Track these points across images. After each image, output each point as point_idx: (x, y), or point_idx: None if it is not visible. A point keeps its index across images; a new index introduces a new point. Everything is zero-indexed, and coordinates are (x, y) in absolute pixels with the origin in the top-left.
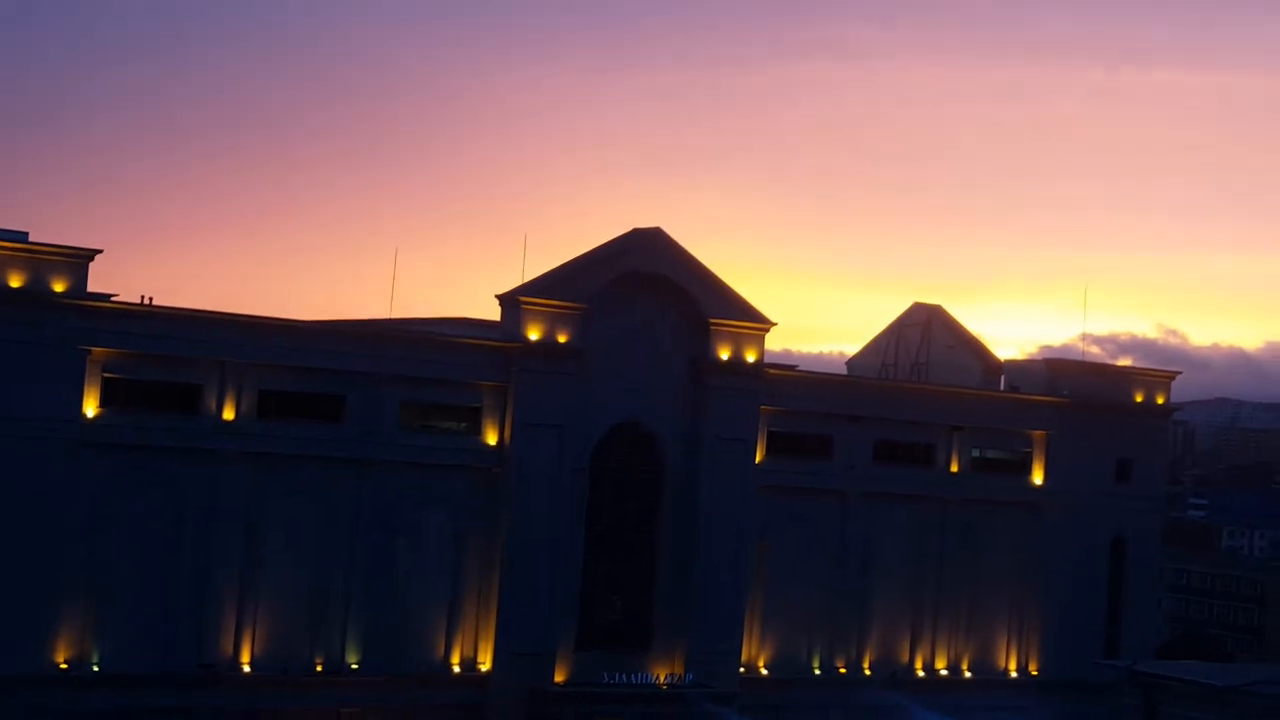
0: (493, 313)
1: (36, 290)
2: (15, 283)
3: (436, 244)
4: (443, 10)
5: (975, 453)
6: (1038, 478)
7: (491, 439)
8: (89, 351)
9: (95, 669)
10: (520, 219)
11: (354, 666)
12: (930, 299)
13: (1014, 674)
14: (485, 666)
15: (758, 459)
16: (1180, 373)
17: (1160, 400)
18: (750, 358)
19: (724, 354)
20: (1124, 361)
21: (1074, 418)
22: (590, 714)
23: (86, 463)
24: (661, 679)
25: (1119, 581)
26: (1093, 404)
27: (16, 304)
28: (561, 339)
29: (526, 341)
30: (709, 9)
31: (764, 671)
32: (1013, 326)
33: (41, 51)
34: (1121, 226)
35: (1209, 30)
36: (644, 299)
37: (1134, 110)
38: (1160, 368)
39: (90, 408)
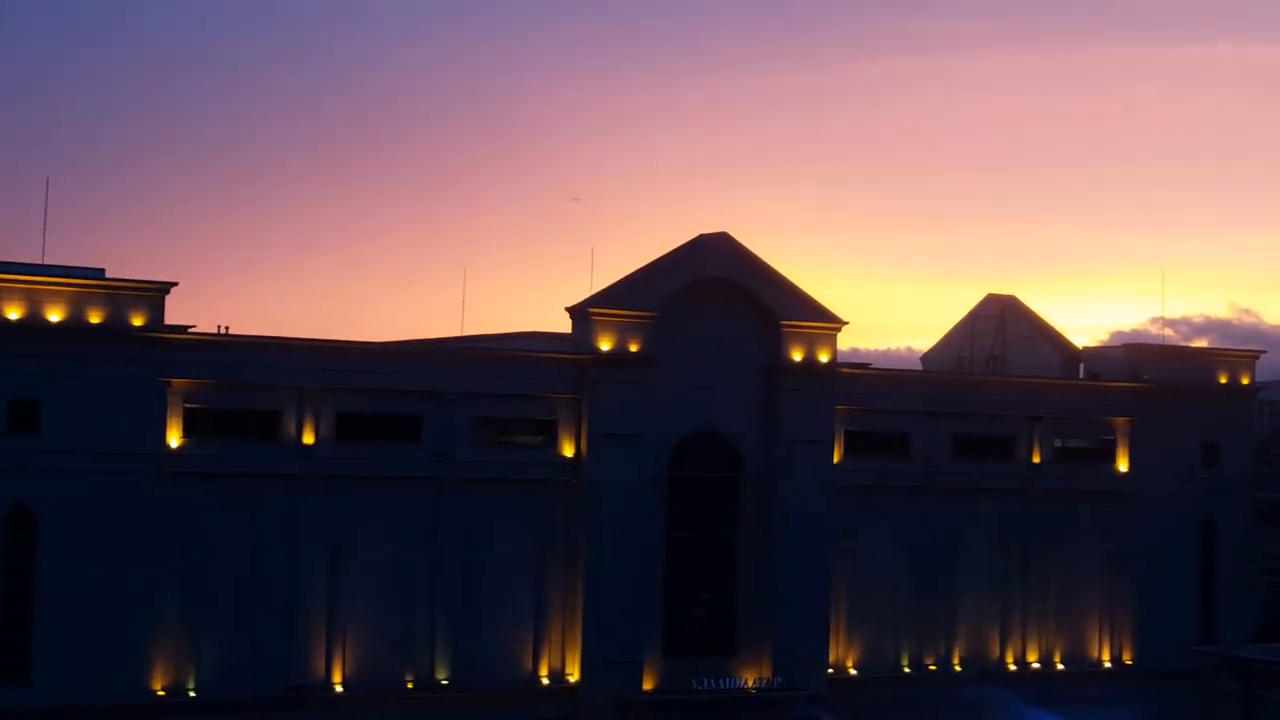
0: (563, 325)
1: (115, 325)
2: (95, 319)
3: (504, 260)
4: (504, 27)
5: (1057, 443)
6: (1122, 465)
7: (568, 451)
8: (169, 383)
9: (192, 695)
10: (586, 231)
11: (444, 683)
12: (1001, 289)
13: (1108, 664)
14: (574, 677)
15: (836, 459)
16: (1265, 352)
17: (1245, 380)
18: (823, 358)
19: (797, 355)
20: (1200, 343)
21: (1157, 403)
22: None
23: (172, 493)
24: (750, 683)
25: (1210, 567)
26: (1175, 388)
27: (97, 340)
28: (633, 348)
29: (598, 353)
30: (768, 12)
31: (853, 672)
32: (1084, 313)
33: (109, 90)
34: (1193, 206)
35: None
36: (714, 304)
37: (1206, 88)
38: (1242, 347)
39: (173, 438)
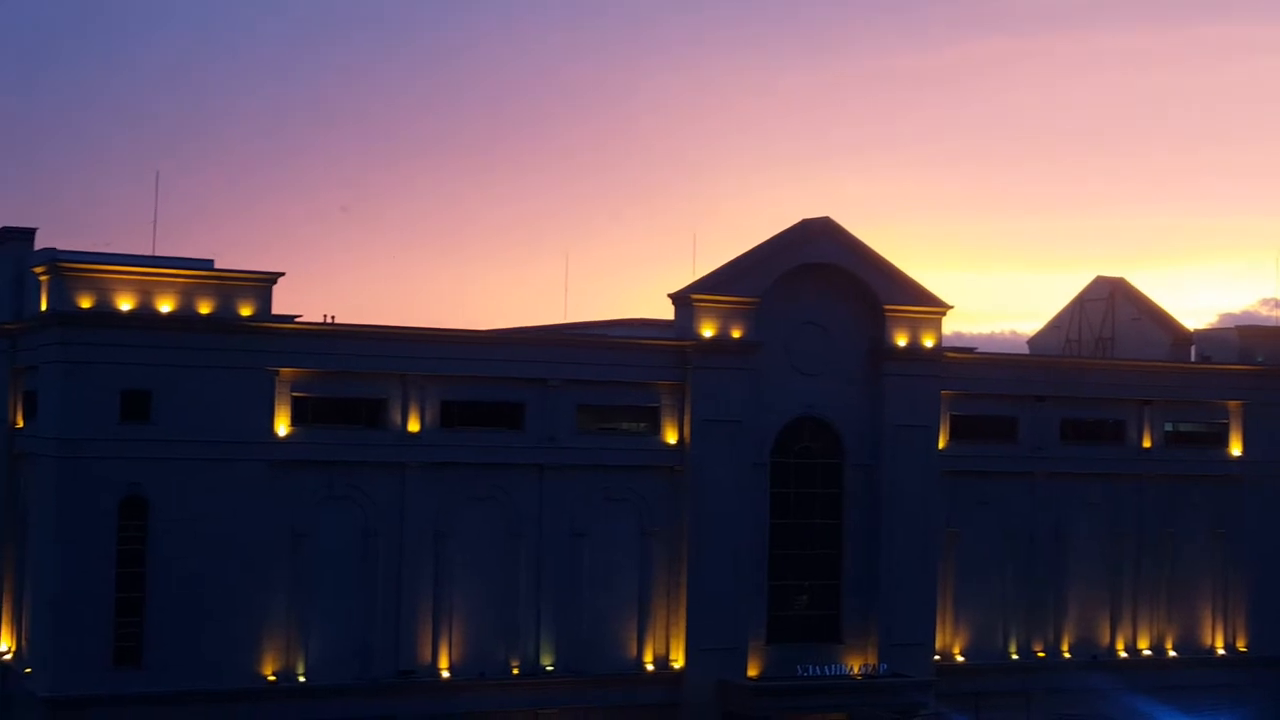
0: (665, 312)
1: (225, 316)
2: (204, 309)
3: (606, 246)
4: (602, 12)
5: (1168, 427)
6: (1235, 449)
7: (671, 438)
8: (277, 373)
9: (301, 680)
10: (688, 217)
11: (549, 668)
12: (1106, 272)
13: (1221, 651)
14: (678, 664)
15: (941, 444)
16: None
17: None
18: (928, 342)
19: (901, 340)
20: None
21: (1270, 385)
22: (785, 708)
23: (280, 480)
24: (856, 670)
25: None
26: None
27: (206, 330)
28: (736, 334)
29: (701, 339)
30: None
31: (960, 659)
32: (1192, 295)
33: (216, 84)
34: None
35: None
36: (816, 289)
37: None
38: None
39: (281, 427)
